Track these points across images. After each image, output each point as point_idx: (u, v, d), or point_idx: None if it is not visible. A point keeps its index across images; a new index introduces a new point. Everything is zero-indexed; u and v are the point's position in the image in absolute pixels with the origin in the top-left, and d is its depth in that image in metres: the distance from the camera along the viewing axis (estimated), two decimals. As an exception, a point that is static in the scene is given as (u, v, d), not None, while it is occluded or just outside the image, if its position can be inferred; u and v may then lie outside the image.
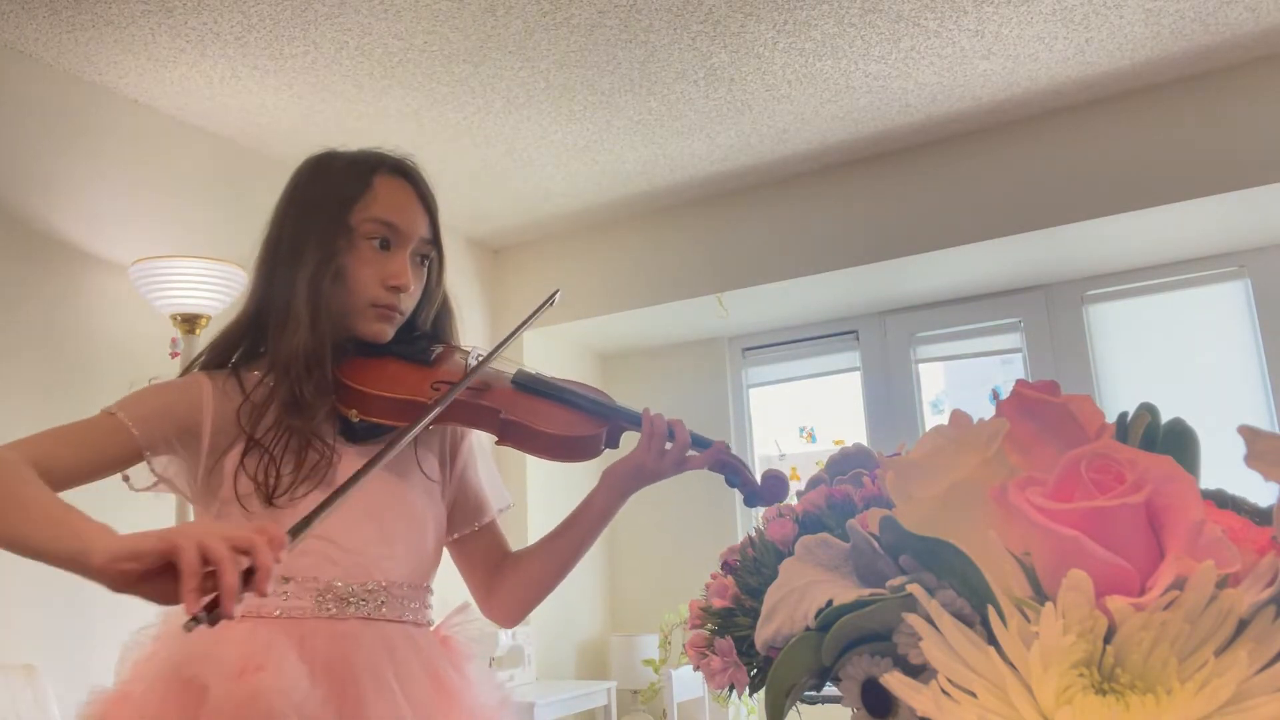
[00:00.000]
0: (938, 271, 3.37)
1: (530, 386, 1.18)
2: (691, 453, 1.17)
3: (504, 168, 3.26)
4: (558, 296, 1.24)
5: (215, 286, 2.37)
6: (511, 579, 1.26)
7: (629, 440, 1.18)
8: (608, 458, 1.22)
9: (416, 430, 1.01)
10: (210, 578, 0.75)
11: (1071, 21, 2.52)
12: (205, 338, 2.43)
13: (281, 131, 2.91)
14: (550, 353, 3.93)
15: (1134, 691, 0.47)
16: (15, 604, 2.20)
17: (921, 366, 3.75)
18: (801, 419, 4.08)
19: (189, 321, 2.41)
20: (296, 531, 0.83)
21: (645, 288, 3.68)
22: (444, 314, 1.24)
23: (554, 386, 1.18)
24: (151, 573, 0.77)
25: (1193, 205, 2.83)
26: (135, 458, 1.03)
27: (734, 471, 1.16)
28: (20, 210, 2.38)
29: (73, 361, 2.42)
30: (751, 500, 1.17)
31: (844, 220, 3.34)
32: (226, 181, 2.91)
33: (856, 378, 3.86)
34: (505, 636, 3.33)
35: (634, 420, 1.17)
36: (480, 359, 1.14)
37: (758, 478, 1.16)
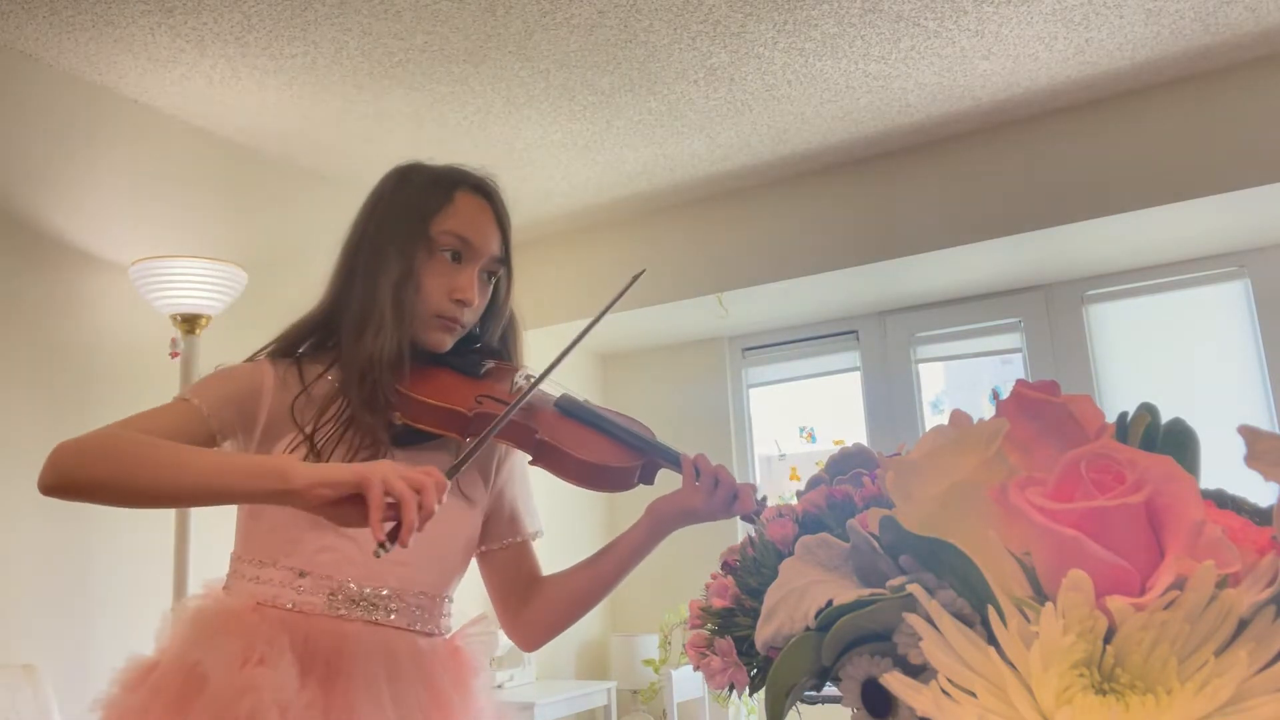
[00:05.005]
0: (938, 271, 3.37)
1: (572, 411, 1.20)
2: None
3: (504, 168, 3.25)
4: (642, 275, 1.23)
5: (215, 286, 2.37)
6: (540, 602, 1.26)
7: (666, 481, 1.17)
8: (642, 495, 1.22)
9: (487, 437, 1.01)
10: (390, 508, 0.85)
11: (1071, 21, 2.51)
12: (205, 338, 2.45)
13: (281, 131, 2.91)
14: (550, 353, 3.92)
15: (1134, 691, 0.47)
16: (15, 604, 2.20)
17: (921, 366, 3.75)
18: (801, 419, 4.08)
19: (189, 321, 2.41)
20: (451, 475, 0.92)
21: (645, 288, 3.68)
22: (510, 332, 1.27)
23: (596, 414, 1.19)
24: (342, 500, 0.87)
25: (1193, 205, 2.83)
26: (209, 443, 1.05)
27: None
28: (20, 210, 2.38)
29: (73, 361, 2.41)
30: None
31: (844, 220, 3.34)
32: (226, 181, 2.91)
33: (856, 378, 3.86)
34: (505, 636, 3.32)
35: (673, 460, 1.16)
36: (531, 378, 1.13)
37: None
